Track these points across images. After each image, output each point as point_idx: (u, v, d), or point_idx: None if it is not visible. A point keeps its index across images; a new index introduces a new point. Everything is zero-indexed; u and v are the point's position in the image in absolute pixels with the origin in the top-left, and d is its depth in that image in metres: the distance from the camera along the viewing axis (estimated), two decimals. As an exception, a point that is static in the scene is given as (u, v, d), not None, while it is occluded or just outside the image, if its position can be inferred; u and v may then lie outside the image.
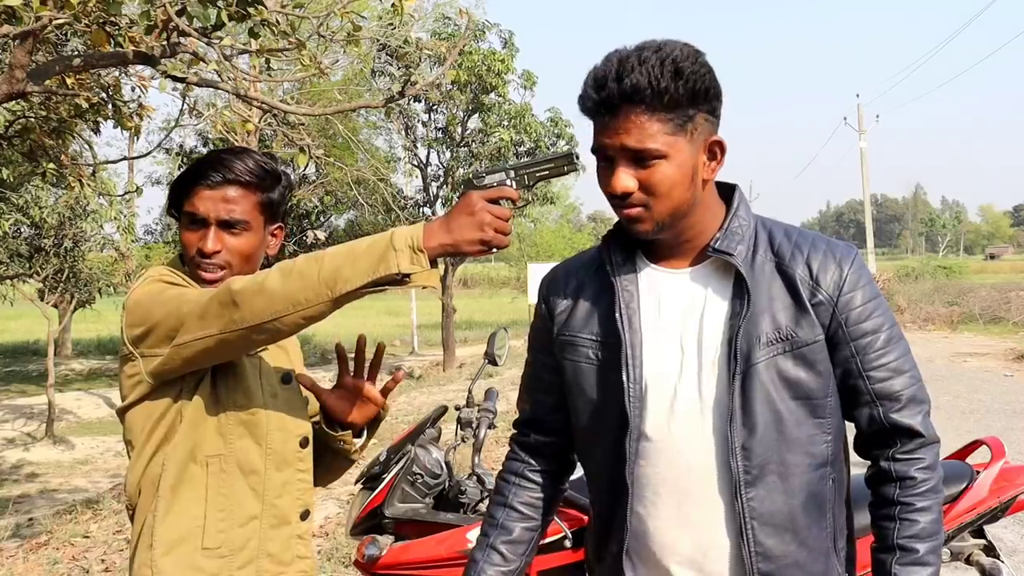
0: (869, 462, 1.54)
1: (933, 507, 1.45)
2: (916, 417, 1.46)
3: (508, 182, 1.53)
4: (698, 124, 1.40)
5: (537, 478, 1.69)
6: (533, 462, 1.69)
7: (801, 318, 1.43)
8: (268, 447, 1.68)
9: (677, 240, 1.48)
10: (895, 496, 1.46)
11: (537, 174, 1.57)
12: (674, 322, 1.47)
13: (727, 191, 1.52)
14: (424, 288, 1.52)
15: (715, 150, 1.44)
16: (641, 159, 1.38)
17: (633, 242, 1.53)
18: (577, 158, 1.56)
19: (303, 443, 1.75)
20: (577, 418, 1.57)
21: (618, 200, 1.41)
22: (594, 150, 1.44)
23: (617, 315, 1.47)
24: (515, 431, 1.74)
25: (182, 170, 1.74)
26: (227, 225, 1.68)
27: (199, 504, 1.61)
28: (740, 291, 1.44)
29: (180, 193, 1.70)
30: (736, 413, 1.41)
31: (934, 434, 1.49)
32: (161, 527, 1.59)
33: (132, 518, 1.68)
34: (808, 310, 1.43)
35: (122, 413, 1.68)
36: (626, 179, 1.39)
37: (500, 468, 1.74)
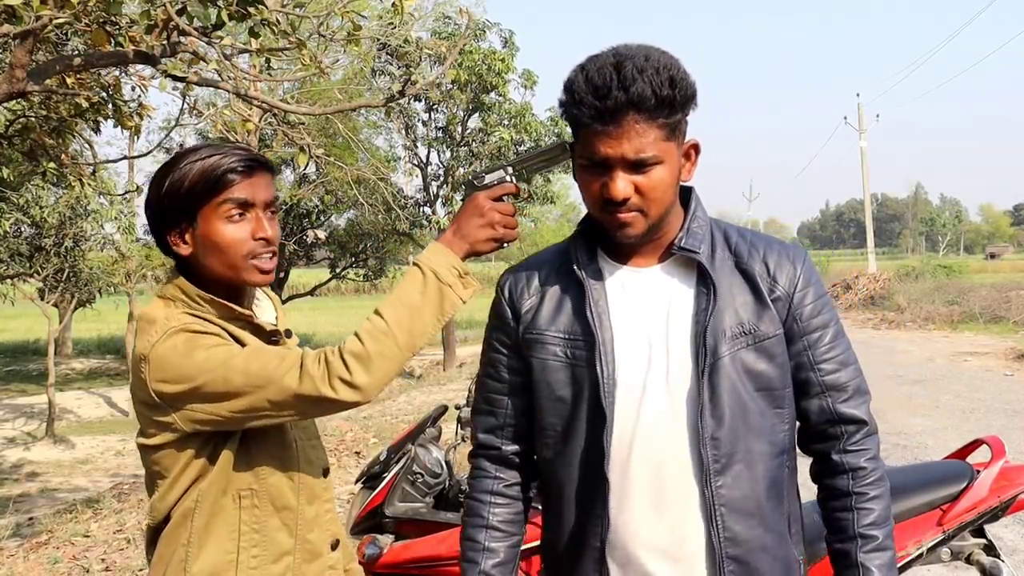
0: (812, 458, 1.61)
1: (884, 495, 1.55)
2: (861, 407, 1.55)
3: (508, 178, 1.59)
4: (683, 128, 1.46)
5: (511, 492, 1.67)
6: (504, 476, 1.66)
7: (763, 313, 1.50)
8: (299, 482, 1.66)
9: (645, 240, 1.51)
10: (849, 487, 1.54)
11: (534, 167, 1.64)
12: (641, 319, 1.51)
13: (684, 193, 1.57)
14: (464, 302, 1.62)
15: (691, 152, 1.51)
16: (639, 165, 1.41)
17: (595, 241, 1.57)
18: (569, 146, 1.60)
19: (325, 473, 1.75)
20: (544, 416, 1.57)
21: (615, 206, 1.44)
22: (589, 158, 1.44)
23: (588, 313, 1.50)
24: (477, 446, 1.69)
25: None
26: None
27: (232, 539, 1.59)
28: (705, 287, 1.49)
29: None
30: (705, 404, 1.45)
31: (875, 424, 1.58)
32: (195, 564, 1.58)
33: (152, 538, 1.65)
34: (769, 305, 1.50)
35: (144, 447, 1.61)
36: (626, 185, 1.42)
37: (469, 488, 1.70)
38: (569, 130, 1.50)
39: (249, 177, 1.59)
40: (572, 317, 1.53)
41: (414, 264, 1.57)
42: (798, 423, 1.57)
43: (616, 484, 1.49)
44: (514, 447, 1.65)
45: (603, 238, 1.56)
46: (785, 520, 1.54)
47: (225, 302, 1.61)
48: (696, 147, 1.50)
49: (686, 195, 1.57)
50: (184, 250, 1.60)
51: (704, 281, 1.49)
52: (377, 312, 1.54)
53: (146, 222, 1.69)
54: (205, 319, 1.58)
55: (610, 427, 1.47)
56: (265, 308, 1.78)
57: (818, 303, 1.53)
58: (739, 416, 1.46)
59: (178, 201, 1.58)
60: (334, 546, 1.75)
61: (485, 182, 1.59)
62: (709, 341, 1.46)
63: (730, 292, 1.49)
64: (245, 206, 1.59)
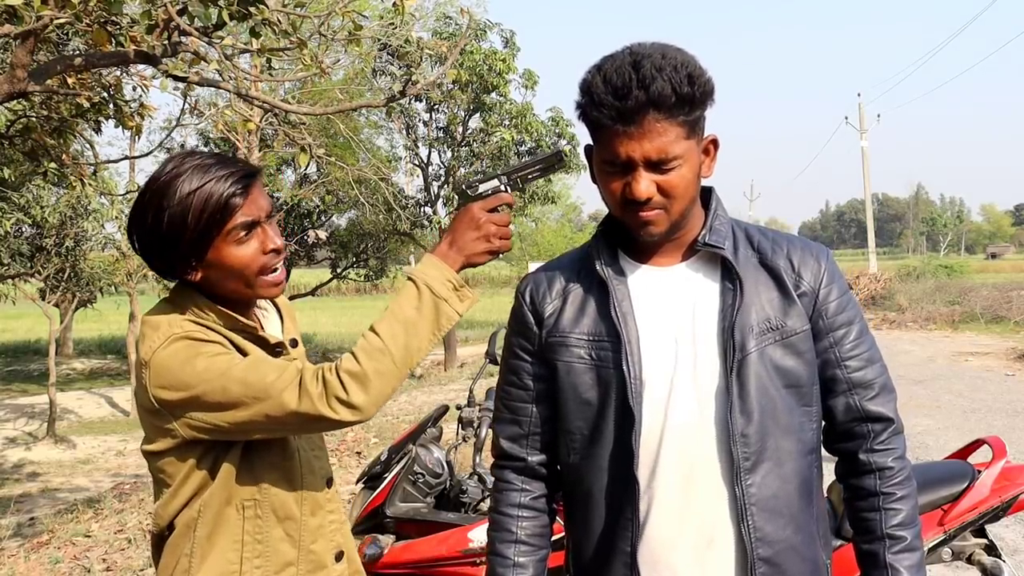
0: (838, 458, 1.59)
1: (911, 495, 1.53)
2: (888, 405, 1.54)
3: (502, 188, 1.58)
4: (702, 125, 1.44)
5: (538, 505, 1.64)
6: (530, 488, 1.63)
7: (789, 308, 1.48)
8: (302, 492, 1.64)
9: (667, 238, 1.50)
10: (876, 487, 1.52)
11: (529, 176, 1.62)
12: (667, 317, 1.50)
13: (704, 193, 1.56)
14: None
15: (710, 148, 1.49)
16: (661, 164, 1.39)
17: (616, 241, 1.56)
18: (565, 155, 1.58)
19: (328, 483, 1.73)
20: (570, 420, 1.54)
21: (638, 206, 1.42)
22: (610, 160, 1.42)
23: (613, 313, 1.48)
24: (501, 457, 1.66)
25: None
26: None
27: (235, 550, 1.58)
28: (730, 283, 1.48)
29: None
30: (734, 401, 1.43)
31: (901, 422, 1.56)
32: (198, 574, 1.56)
33: (158, 544, 1.64)
34: (795, 300, 1.49)
35: (148, 453, 1.60)
36: (649, 185, 1.40)
37: (494, 502, 1.66)
38: (571, 130, 1.49)
39: (248, 195, 1.56)
40: (596, 318, 1.51)
41: (408, 278, 1.55)
42: (824, 423, 1.56)
43: (645, 485, 1.47)
44: (540, 457, 1.62)
45: (624, 239, 1.55)
46: (814, 521, 1.52)
47: (229, 312, 1.59)
48: (715, 142, 1.48)
49: (706, 195, 1.55)
50: (195, 277, 1.57)
51: (729, 277, 1.48)
52: (372, 329, 1.51)
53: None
54: (209, 327, 1.56)
55: (638, 428, 1.45)
56: (271, 319, 1.76)
57: (843, 300, 1.52)
58: (768, 413, 1.44)
59: (182, 239, 1.53)
60: (338, 557, 1.72)
61: (479, 192, 1.57)
62: (737, 337, 1.44)
63: (756, 288, 1.48)
64: (251, 226, 1.57)
